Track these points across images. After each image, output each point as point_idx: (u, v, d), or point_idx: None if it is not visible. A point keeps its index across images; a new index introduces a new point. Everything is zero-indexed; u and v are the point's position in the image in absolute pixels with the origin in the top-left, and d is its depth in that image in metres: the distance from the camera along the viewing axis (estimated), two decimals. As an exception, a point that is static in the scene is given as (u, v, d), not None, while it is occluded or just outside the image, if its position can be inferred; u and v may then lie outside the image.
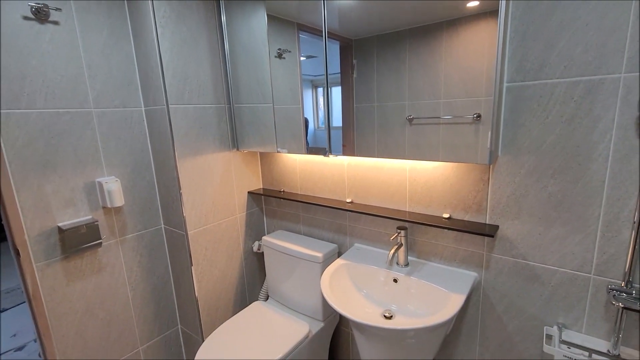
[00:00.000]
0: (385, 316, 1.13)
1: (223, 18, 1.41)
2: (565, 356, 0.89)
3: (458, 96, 0.93)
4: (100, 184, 1.29)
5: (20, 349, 1.97)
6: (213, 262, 1.55)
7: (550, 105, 0.88)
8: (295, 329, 1.37)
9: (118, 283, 1.42)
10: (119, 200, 1.32)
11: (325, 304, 1.43)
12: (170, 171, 1.38)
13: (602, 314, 0.92)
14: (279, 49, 1.30)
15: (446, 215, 1.13)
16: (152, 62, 1.28)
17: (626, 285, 0.85)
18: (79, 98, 1.23)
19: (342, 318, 1.57)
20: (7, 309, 2.44)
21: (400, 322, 0.98)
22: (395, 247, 1.16)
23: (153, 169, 1.47)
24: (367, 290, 1.22)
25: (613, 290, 0.86)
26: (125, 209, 1.40)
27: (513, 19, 0.89)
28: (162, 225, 1.55)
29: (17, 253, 1.17)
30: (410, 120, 1.03)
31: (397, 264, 1.21)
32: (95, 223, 1.28)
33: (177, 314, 1.67)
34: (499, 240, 1.05)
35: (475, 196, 1.06)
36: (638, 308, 0.80)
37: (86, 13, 1.22)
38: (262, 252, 1.75)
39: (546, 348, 0.94)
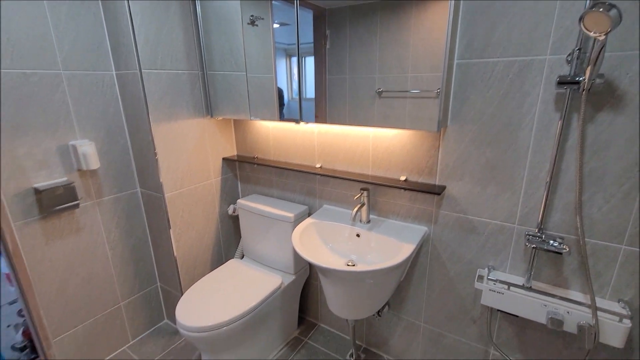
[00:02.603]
0: (348, 265, 1.30)
1: (194, -19, 1.41)
2: (491, 289, 1.10)
3: (424, 71, 1.02)
4: (74, 147, 1.31)
5: (-6, 311, 1.99)
6: (190, 224, 1.64)
7: (491, 81, 1.02)
8: (269, 281, 1.51)
9: (97, 243, 1.48)
10: (94, 163, 1.35)
11: (296, 259, 1.58)
12: (145, 135, 1.42)
13: (521, 256, 1.13)
14: (252, 16, 1.33)
15: (403, 178, 1.28)
16: (123, 26, 1.27)
17: (539, 231, 1.05)
18: (47, 59, 1.22)
19: (311, 272, 1.74)
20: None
21: (360, 268, 1.14)
22: (359, 206, 1.30)
23: (127, 133, 1.50)
24: (333, 244, 1.38)
25: (529, 235, 1.06)
26: (100, 172, 1.44)
27: (465, 2, 0.99)
28: (139, 189, 1.59)
29: (-6, 213, 1.19)
30: (379, 94, 1.13)
31: (360, 221, 1.37)
32: (72, 184, 1.31)
33: (156, 273, 1.76)
34: (446, 199, 1.22)
35: (428, 161, 1.22)
36: (545, 248, 1.01)
37: (49, -32, 1.18)
38: (237, 215, 1.85)
39: (476, 285, 1.15)
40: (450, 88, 1.08)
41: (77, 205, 1.35)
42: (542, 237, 1.03)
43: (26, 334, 1.71)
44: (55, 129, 1.27)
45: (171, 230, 1.55)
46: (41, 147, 1.25)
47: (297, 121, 1.35)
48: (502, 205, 1.11)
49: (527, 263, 1.12)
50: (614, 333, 0.94)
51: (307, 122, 1.35)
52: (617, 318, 0.94)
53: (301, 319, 1.85)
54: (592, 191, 0.96)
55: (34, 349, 1.64)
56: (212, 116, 1.60)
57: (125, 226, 1.57)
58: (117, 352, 1.66)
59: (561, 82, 0.88)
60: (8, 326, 1.87)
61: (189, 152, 1.56)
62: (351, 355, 1.60)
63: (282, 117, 1.39)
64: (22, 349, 1.69)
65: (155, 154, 1.42)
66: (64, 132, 1.30)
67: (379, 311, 1.46)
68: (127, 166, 1.53)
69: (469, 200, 1.17)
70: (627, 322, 0.93)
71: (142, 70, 1.30)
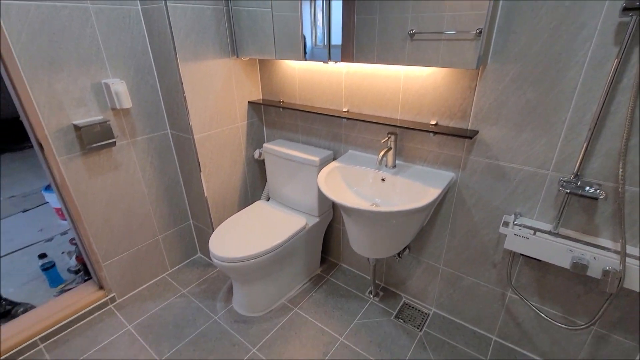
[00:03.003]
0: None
1: None
2: (516, 234, 1.10)
3: (463, 9, 0.92)
4: (107, 85, 1.34)
5: (49, 240, 2.23)
6: (219, 167, 1.70)
7: (543, 11, 0.92)
8: (294, 222, 1.58)
9: (134, 181, 1.58)
10: (126, 102, 1.38)
11: (320, 202, 1.63)
12: (173, 75, 1.42)
13: (552, 203, 1.10)
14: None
15: (433, 122, 1.24)
16: (145, -47, 1.21)
17: (574, 178, 1.01)
18: (74, -9, 1.20)
19: (334, 215, 1.79)
20: (28, 209, 2.66)
21: (385, 209, 1.16)
22: (385, 150, 1.29)
23: (155, 73, 1.50)
24: (357, 187, 1.40)
25: (563, 181, 1.03)
26: (132, 112, 1.48)
27: None
28: (169, 130, 1.64)
29: (41, 147, 1.28)
30: (411, 35, 1.04)
31: (386, 165, 1.37)
32: (107, 122, 1.37)
33: (189, 211, 1.88)
34: (477, 144, 1.18)
35: (462, 104, 1.16)
36: (580, 193, 0.98)
37: None
38: (263, 160, 1.89)
39: (501, 229, 1.15)
40: (494, 22, 0.99)
41: (113, 144, 1.42)
42: (577, 184, 1.00)
43: (79, 259, 1.92)
44: (88, 66, 1.30)
45: (201, 173, 1.62)
46: (77, 85, 1.29)
47: (325, 61, 1.30)
48: (538, 151, 1.07)
49: (556, 210, 1.10)
50: (640, 279, 0.93)
51: (334, 61, 1.29)
52: (646, 265, 0.93)
53: (323, 259, 1.95)
54: (641, 136, 0.90)
55: (86, 272, 1.85)
56: (237, 56, 1.56)
57: (158, 166, 1.65)
58: (158, 278, 1.84)
59: (627, 8, 0.78)
60: (62, 252, 2.10)
61: (216, 94, 1.56)
62: (370, 292, 1.71)
63: (307, 57, 1.34)
64: (76, 272, 1.91)
65: (184, 95, 1.43)
66: (96, 70, 1.32)
67: (399, 253, 1.51)
68: (157, 107, 1.56)
69: (501, 146, 1.13)
70: (656, 270, 0.92)
71: (168, 3, 1.26)
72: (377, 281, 1.78)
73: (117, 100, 1.36)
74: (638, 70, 0.82)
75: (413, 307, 1.62)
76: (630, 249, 0.99)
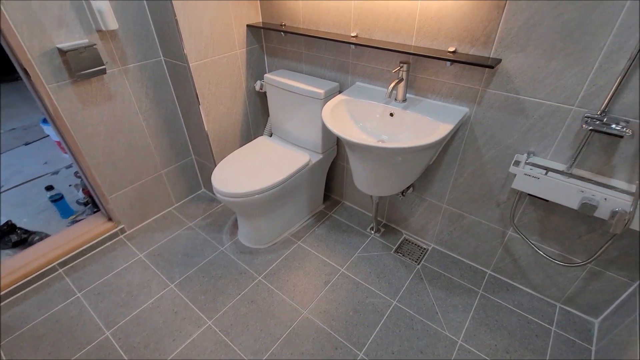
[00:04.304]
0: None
1: None
2: (526, 174, 1.06)
3: None
4: (88, 3, 1.20)
5: (55, 173, 2.25)
6: (218, 98, 1.60)
7: None
8: (297, 158, 1.55)
9: (130, 112, 1.51)
10: (112, 23, 1.25)
11: (324, 138, 1.57)
12: (161, -9, 1.26)
13: (570, 142, 1.04)
14: None
15: (452, 49, 1.11)
16: None
17: (601, 114, 0.93)
18: None
19: (338, 153, 1.75)
20: (30, 143, 2.65)
21: (391, 145, 1.11)
22: (396, 81, 1.19)
23: (141, -11, 1.33)
24: (364, 123, 1.33)
25: (587, 117, 0.95)
26: (120, 35, 1.35)
27: None
28: (162, 57, 1.52)
29: (26, 73, 1.20)
30: None
31: (396, 99, 1.27)
32: (94, 46, 1.26)
33: (190, 146, 1.84)
34: (498, 75, 1.07)
35: (487, 27, 1.02)
36: (605, 130, 0.91)
37: None
38: (265, 92, 1.79)
39: (511, 169, 1.11)
40: None
41: (104, 70, 1.32)
42: (603, 120, 0.92)
43: (85, 191, 1.95)
44: (63, -22, 1.14)
45: (200, 106, 1.53)
46: (54, 1, 1.15)
47: (332, -27, 1.13)
48: (566, 82, 0.97)
49: (573, 149, 1.04)
50: (650, 220, 0.92)
51: (344, -26, 1.12)
52: (659, 206, 0.90)
53: (327, 197, 1.97)
54: (689, 65, 0.80)
55: (94, 204, 1.90)
56: (232, -31, 1.36)
57: (154, 97, 1.57)
58: (165, 211, 1.89)
59: None
60: (69, 185, 2.13)
61: (211, 16, 1.40)
62: (371, 229, 1.75)
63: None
64: (85, 204, 1.95)
65: (175, 15, 1.29)
66: (73, -17, 1.17)
67: (403, 191, 1.50)
68: (147, 30, 1.42)
69: (526, 77, 1.02)
70: (669, 211, 0.89)
71: None
72: (378, 218, 1.81)
73: (101, 21, 1.23)
74: None
75: (413, 243, 1.67)
76: (645, 190, 0.95)
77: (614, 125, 0.90)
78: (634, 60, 0.83)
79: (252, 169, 1.48)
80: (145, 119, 1.58)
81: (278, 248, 1.65)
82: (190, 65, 1.42)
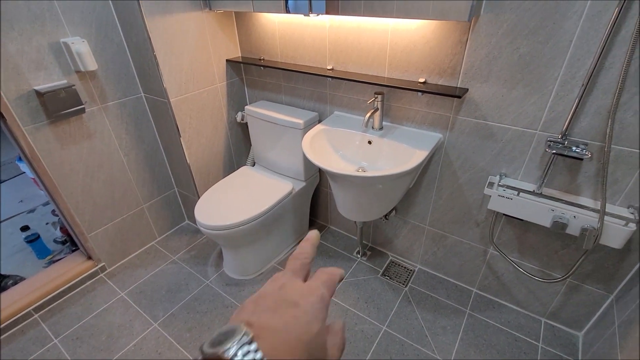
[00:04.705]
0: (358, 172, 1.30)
1: None
2: (500, 195, 1.11)
3: None
4: (67, 45, 1.22)
5: (32, 211, 2.18)
6: (199, 131, 1.62)
7: (543, -48, 0.83)
8: (280, 187, 1.56)
9: (110, 149, 1.50)
10: (91, 64, 1.27)
11: (306, 166, 1.60)
12: (140, 32, 1.29)
13: (537, 163, 1.10)
14: None
15: (422, 80, 1.18)
16: None
17: (561, 138, 0.99)
18: None
19: (321, 179, 1.78)
20: (4, 180, 2.57)
21: (370, 174, 1.14)
22: (372, 111, 1.24)
23: (120, 30, 1.36)
24: (343, 151, 1.36)
25: (550, 141, 1.01)
26: (100, 74, 1.36)
27: None
28: (142, 94, 1.53)
29: (2, 116, 1.19)
30: None
31: (372, 127, 1.32)
32: (73, 87, 1.26)
33: (172, 179, 1.83)
34: (466, 103, 1.14)
35: (452, 60, 1.09)
36: (566, 154, 0.97)
37: None
38: (246, 123, 1.82)
39: (486, 190, 1.15)
40: (490, -36, 0.90)
41: (82, 110, 1.32)
42: (564, 144, 0.99)
43: (63, 230, 1.89)
44: (42, 22, 1.16)
45: (181, 138, 1.54)
46: (32, 45, 1.16)
47: (306, 13, 1.19)
48: (527, 109, 1.04)
49: (541, 170, 1.10)
50: (616, 235, 0.96)
51: (317, 14, 1.18)
52: (624, 222, 0.95)
53: (312, 222, 1.97)
54: (632, 92, 0.87)
55: (73, 243, 1.84)
56: (210, 8, 1.42)
57: (135, 133, 1.57)
58: (147, 246, 1.84)
59: (634, -51, 0.70)
60: (47, 223, 2.06)
61: (191, 53, 1.44)
62: (358, 252, 1.75)
63: (288, 10, 1.22)
64: (63, 243, 1.89)
65: (154, 54, 1.32)
66: (52, 27, 1.19)
67: (386, 215, 1.53)
68: (127, 68, 1.44)
69: (491, 105, 1.09)
70: (632, 226, 0.94)
71: (124, -53, 1.11)
72: (364, 241, 1.82)
73: (80, 62, 1.24)
74: (638, 21, 0.77)
75: (399, 265, 1.68)
76: (609, 207, 1.01)
77: (574, 148, 0.97)
78: (585, 88, 0.91)
79: (235, 200, 1.48)
80: (125, 155, 1.57)
81: (265, 278, 1.63)
82: (171, 100, 1.44)
